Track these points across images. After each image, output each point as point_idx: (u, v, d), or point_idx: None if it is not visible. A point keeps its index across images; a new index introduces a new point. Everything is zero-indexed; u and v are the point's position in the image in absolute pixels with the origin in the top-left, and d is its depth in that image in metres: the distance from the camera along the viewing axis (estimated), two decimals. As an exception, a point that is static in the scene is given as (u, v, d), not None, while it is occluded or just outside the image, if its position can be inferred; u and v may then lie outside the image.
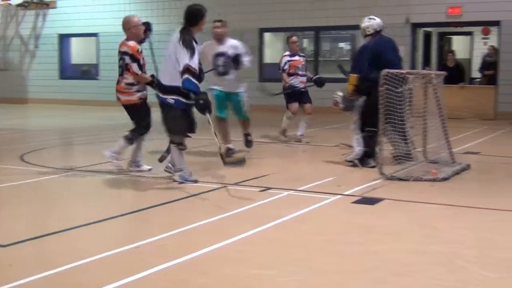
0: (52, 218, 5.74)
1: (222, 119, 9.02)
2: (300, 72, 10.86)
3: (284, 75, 10.84)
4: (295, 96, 10.83)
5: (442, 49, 20.64)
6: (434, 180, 7.16)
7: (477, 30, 19.60)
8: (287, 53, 11.06)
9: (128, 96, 7.68)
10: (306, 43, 19.56)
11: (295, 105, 10.80)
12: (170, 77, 6.79)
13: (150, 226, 5.43)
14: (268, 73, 18.56)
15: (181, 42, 6.67)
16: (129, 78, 7.69)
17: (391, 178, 7.23)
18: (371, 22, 8.49)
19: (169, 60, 6.82)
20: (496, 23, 16.05)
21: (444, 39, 21.13)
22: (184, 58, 6.59)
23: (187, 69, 6.57)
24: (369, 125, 8.05)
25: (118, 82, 7.85)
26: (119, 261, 4.34)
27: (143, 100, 7.71)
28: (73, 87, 21.46)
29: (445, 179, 7.21)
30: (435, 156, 8.14)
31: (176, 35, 6.80)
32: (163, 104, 6.92)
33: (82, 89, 21.27)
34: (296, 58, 10.92)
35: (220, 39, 8.93)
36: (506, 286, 3.91)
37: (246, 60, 8.72)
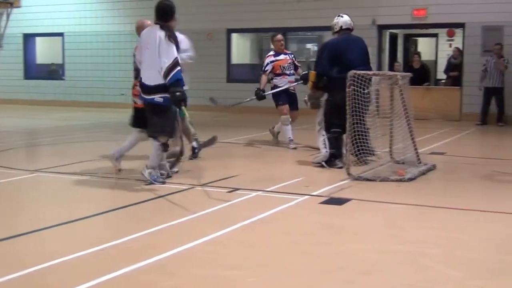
0: (21, 219, 5.66)
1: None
2: (287, 72, 10.30)
3: (263, 77, 10.33)
4: (284, 96, 10.23)
5: (408, 50, 20.88)
6: (400, 180, 7.23)
7: (442, 32, 19.87)
8: (271, 53, 10.52)
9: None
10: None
11: (286, 107, 10.20)
12: (155, 76, 6.73)
13: (118, 227, 5.39)
14: (236, 73, 18.60)
15: (167, 38, 6.67)
16: None
17: (358, 178, 7.29)
18: (338, 19, 8.58)
19: (152, 58, 6.74)
20: (460, 25, 16.28)
21: (410, 41, 21.38)
22: (173, 52, 6.65)
23: (178, 62, 6.66)
24: (334, 126, 8.14)
25: (134, 86, 7.69)
26: (88, 263, 4.31)
27: None
28: (38, 87, 21.19)
29: (411, 179, 7.29)
30: (401, 157, 8.22)
31: (158, 33, 6.73)
32: (152, 105, 6.84)
33: (47, 89, 21.02)
34: (281, 57, 10.37)
35: None
36: (471, 285, 3.96)
37: (184, 55, 8.11)
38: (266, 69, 10.32)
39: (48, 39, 21.68)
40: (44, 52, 22.00)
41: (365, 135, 7.89)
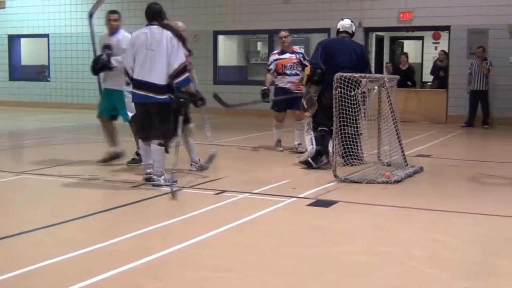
0: (7, 221, 5.61)
1: (103, 119, 8.47)
2: (288, 72, 9.86)
3: (268, 76, 10.02)
4: (282, 102, 9.86)
5: (394, 53, 20.97)
6: (387, 182, 7.26)
7: (428, 34, 19.98)
8: (276, 51, 10.28)
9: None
10: (260, 46, 19.63)
11: (281, 114, 10.00)
12: (163, 76, 6.76)
13: (106, 229, 5.36)
14: (223, 75, 18.58)
15: (177, 39, 6.77)
16: None
17: (345, 180, 7.30)
18: (339, 22, 8.98)
19: (159, 58, 6.72)
20: (446, 28, 16.38)
21: (396, 43, 21.47)
22: (182, 56, 6.79)
23: (186, 66, 6.85)
24: (321, 125, 8.35)
25: None
26: (75, 265, 4.28)
27: None
28: (23, 89, 21.06)
29: (397, 181, 7.32)
30: (388, 159, 8.25)
31: (165, 33, 6.75)
32: (163, 105, 6.80)
33: (32, 91, 20.89)
34: (285, 56, 9.92)
35: (111, 30, 8.39)
36: (458, 286, 3.98)
37: (113, 58, 8.07)
38: (270, 67, 9.98)
39: (33, 40, 21.55)
40: (29, 53, 21.87)
41: (354, 138, 7.97)
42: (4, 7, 21.21)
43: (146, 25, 6.96)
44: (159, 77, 6.74)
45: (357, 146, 8.15)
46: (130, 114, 7.93)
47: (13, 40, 21.57)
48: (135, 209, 6.06)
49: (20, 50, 21.88)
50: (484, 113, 15.07)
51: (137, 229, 5.10)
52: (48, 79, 20.85)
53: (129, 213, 5.92)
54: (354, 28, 9.01)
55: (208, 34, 18.49)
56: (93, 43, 8.66)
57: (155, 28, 6.84)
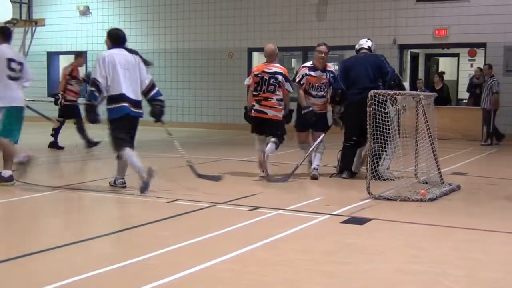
0: (39, 236, 5.70)
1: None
2: (313, 93, 8.92)
3: (301, 93, 8.91)
4: (306, 123, 8.99)
5: (429, 70, 20.83)
6: (421, 200, 7.19)
7: (463, 51, 19.80)
8: (308, 64, 9.13)
9: (278, 112, 8.70)
10: (294, 63, 19.66)
11: (302, 134, 9.20)
12: (137, 93, 7.67)
13: (137, 245, 5.39)
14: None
15: (144, 62, 7.76)
16: (280, 95, 8.66)
17: (379, 198, 7.26)
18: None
19: (134, 78, 7.60)
20: (482, 45, 16.22)
21: (431, 60, 21.32)
22: (148, 74, 7.79)
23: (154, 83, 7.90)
24: (346, 140, 8.93)
25: (267, 99, 8.66)
26: (108, 280, 4.31)
27: None
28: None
29: (432, 199, 7.24)
30: (425, 176, 8.18)
31: (134, 57, 7.66)
32: (139, 118, 7.71)
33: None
34: (316, 74, 8.92)
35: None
36: (493, 307, 3.92)
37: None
38: (302, 82, 8.92)
39: (71, 57, 21.87)
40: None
41: (386, 155, 8.11)
42: (44, 25, 21.64)
43: (114, 47, 7.68)
44: (136, 94, 7.66)
45: (386, 161, 8.49)
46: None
47: (52, 57, 21.99)
48: (168, 224, 6.10)
49: (59, 67, 22.27)
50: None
51: (170, 245, 5.12)
52: (85, 94, 21.13)
53: (162, 228, 5.95)
54: (370, 43, 9.19)
55: (242, 51, 18.61)
56: None
57: (128, 53, 7.66)
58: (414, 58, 19.36)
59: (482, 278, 4.47)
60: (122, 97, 7.48)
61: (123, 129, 7.58)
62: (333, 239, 5.56)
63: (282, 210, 6.61)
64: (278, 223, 6.14)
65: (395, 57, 16.63)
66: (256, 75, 8.75)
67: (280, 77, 8.65)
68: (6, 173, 7.94)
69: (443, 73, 17.80)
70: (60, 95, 12.43)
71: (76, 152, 11.67)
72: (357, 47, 9.27)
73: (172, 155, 9.55)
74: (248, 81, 8.98)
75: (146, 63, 7.79)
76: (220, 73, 18.96)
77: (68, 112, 12.41)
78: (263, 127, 8.78)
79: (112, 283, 4.23)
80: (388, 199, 7.21)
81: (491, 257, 5.04)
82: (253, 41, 18.48)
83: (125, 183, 7.74)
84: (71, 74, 12.55)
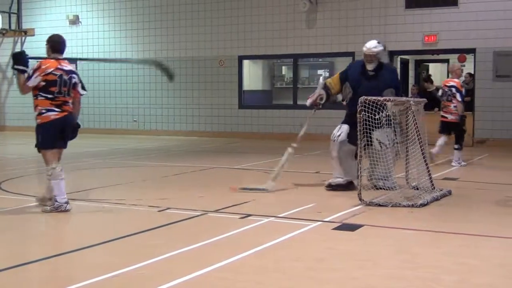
0: (33, 247, 5.68)
1: None
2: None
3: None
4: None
5: (419, 76, 20.93)
6: (412, 206, 7.20)
7: (453, 57, 19.89)
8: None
9: (454, 116, 11.54)
10: (285, 71, 19.72)
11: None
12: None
13: (130, 254, 5.38)
14: (248, 100, 18.65)
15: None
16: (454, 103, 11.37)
17: (370, 204, 7.27)
18: None
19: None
20: (471, 51, 16.31)
21: (422, 67, 21.43)
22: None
23: None
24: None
25: (445, 107, 11.65)
26: (99, 290, 4.31)
27: None
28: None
29: (423, 205, 7.26)
30: (416, 182, 8.20)
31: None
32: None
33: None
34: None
35: None
36: (486, 311, 3.93)
37: None
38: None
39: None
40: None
41: (381, 161, 8.04)
42: (33, 34, 21.60)
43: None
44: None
45: (384, 167, 8.21)
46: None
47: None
48: (161, 233, 6.09)
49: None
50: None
51: (162, 253, 5.12)
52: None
53: (154, 237, 5.94)
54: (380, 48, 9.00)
55: (233, 59, 18.63)
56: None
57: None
58: (404, 65, 19.45)
59: (475, 283, 4.48)
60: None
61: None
62: (325, 245, 5.56)
63: (274, 218, 6.61)
64: (270, 230, 6.14)
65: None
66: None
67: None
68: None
69: (430, 75, 17.91)
70: None
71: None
72: (366, 51, 8.57)
73: (165, 164, 9.53)
74: None
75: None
76: (211, 81, 18.96)
77: None
78: None
79: (104, 293, 4.22)
80: (379, 205, 7.23)
81: (483, 262, 5.06)
82: (243, 49, 18.52)
83: None
84: None
